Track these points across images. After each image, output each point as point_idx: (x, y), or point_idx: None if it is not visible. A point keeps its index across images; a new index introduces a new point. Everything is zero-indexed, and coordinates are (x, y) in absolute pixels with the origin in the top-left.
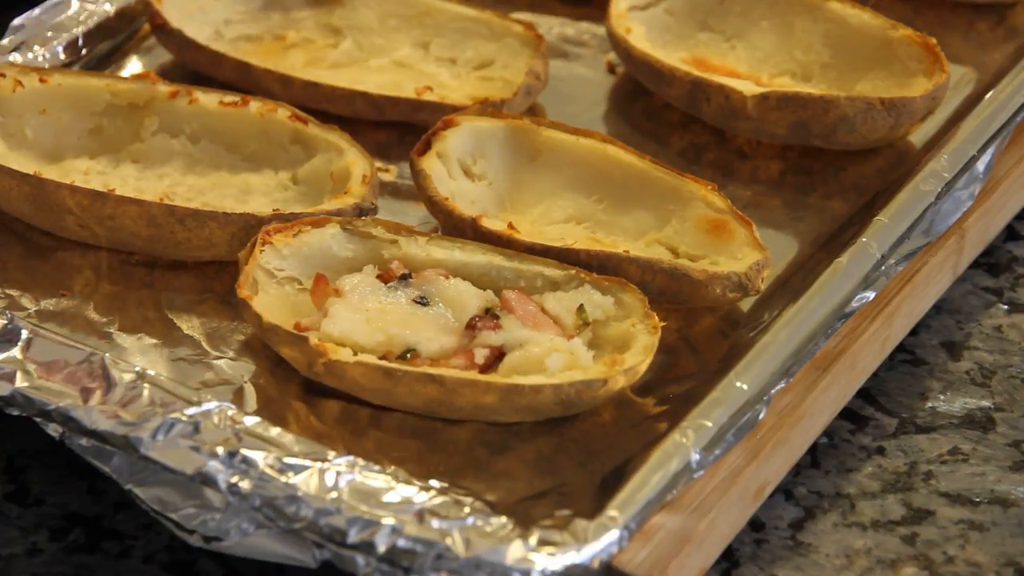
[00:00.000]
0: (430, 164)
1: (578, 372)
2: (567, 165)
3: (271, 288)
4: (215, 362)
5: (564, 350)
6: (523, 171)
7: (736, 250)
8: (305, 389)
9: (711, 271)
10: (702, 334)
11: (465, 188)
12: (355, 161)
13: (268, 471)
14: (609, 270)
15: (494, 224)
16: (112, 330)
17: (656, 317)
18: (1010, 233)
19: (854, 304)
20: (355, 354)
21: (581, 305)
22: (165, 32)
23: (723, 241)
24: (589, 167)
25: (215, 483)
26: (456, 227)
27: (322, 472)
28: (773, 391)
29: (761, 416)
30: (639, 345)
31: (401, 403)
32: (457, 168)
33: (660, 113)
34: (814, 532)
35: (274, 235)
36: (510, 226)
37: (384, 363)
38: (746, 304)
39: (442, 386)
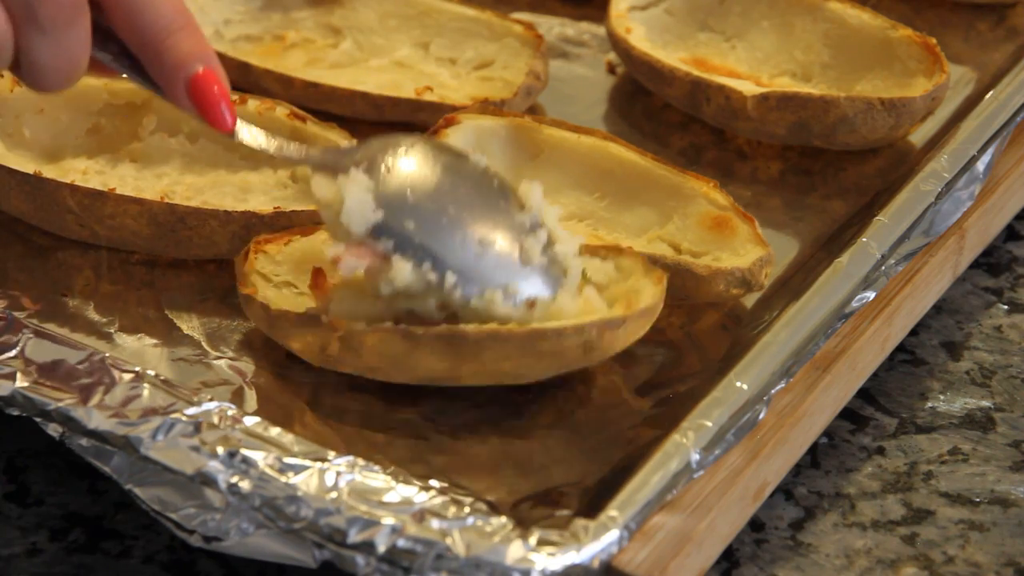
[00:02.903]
0: None
1: (597, 314)
2: (569, 163)
3: (269, 291)
4: (215, 362)
5: (579, 299)
6: (525, 169)
7: (739, 246)
8: (306, 389)
9: (714, 267)
10: (705, 331)
11: None
12: None
13: (268, 471)
14: None
15: None
16: (112, 330)
17: (659, 271)
18: (1010, 233)
19: (854, 304)
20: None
21: (584, 269)
22: None
23: (725, 237)
24: (591, 165)
25: (215, 483)
26: None
27: (322, 472)
28: (773, 391)
29: (761, 416)
30: (647, 294)
31: (420, 372)
32: None
33: (660, 113)
34: (814, 532)
35: (265, 245)
36: None
37: (402, 326)
38: (748, 302)
39: (464, 341)
